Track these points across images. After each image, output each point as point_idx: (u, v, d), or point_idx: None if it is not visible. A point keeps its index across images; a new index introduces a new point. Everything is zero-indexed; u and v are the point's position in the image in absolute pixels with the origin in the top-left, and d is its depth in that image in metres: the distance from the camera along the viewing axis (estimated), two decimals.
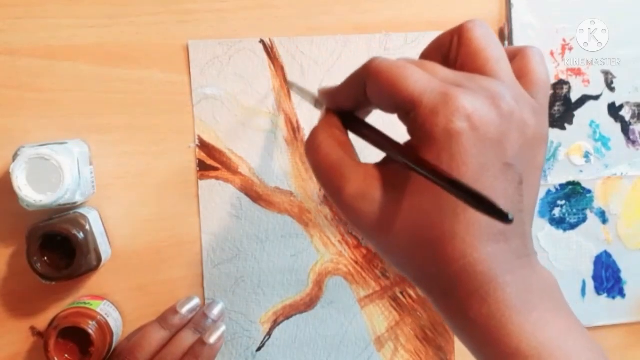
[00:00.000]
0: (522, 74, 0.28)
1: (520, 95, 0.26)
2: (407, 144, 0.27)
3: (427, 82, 0.25)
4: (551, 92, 0.53)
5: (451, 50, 0.28)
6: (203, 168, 0.50)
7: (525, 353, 0.24)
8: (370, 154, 0.29)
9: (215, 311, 0.49)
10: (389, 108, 0.27)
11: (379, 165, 0.28)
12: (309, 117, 0.51)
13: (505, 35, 0.52)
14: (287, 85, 0.51)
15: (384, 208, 0.26)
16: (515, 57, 0.29)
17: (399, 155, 0.26)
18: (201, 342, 0.47)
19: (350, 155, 0.28)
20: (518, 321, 0.24)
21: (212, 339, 0.47)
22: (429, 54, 0.30)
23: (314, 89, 0.51)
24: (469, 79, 0.26)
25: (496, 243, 0.25)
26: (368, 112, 0.32)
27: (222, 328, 0.49)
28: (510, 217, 0.20)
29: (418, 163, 0.24)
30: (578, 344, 0.25)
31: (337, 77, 0.51)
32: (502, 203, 0.23)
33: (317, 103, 0.35)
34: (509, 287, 0.24)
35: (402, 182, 0.26)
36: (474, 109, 0.24)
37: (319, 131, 0.29)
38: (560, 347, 0.24)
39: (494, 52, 0.27)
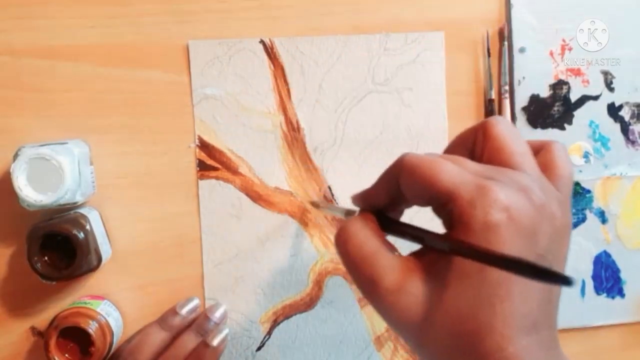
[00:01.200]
0: (547, 168, 0.29)
1: (546, 187, 0.27)
2: (445, 235, 0.27)
3: (461, 175, 0.26)
4: (551, 92, 0.54)
5: (476, 145, 0.29)
6: (203, 168, 0.50)
7: None
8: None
9: (218, 314, 0.49)
10: (423, 201, 0.27)
11: (415, 256, 0.28)
12: (309, 117, 0.51)
13: (504, 35, 0.52)
14: (312, 205, 0.50)
15: (423, 301, 0.26)
16: (540, 150, 0.30)
17: (444, 243, 0.26)
18: (204, 345, 0.47)
19: (385, 245, 0.28)
20: None
21: (215, 342, 0.47)
22: (454, 149, 0.31)
23: (313, 90, 0.51)
24: (498, 172, 0.27)
25: (529, 335, 0.25)
26: (400, 213, 0.32)
27: (225, 331, 0.49)
28: (571, 280, 0.20)
29: (470, 248, 0.24)
30: None
31: (337, 77, 0.51)
32: (536, 292, 0.24)
33: (347, 214, 0.35)
34: None
35: (441, 273, 0.26)
36: (510, 202, 0.25)
37: (351, 223, 0.29)
38: None
39: (519, 147, 0.28)
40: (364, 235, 0.28)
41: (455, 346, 0.25)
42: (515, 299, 0.24)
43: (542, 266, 0.21)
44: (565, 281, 0.20)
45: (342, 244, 0.28)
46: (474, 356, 0.25)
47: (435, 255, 0.27)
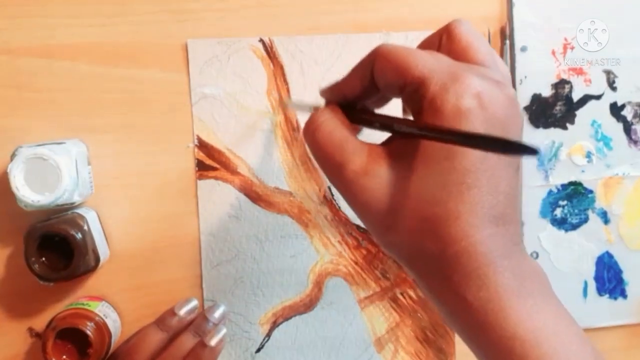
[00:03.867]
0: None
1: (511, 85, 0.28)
2: (414, 119, 0.27)
3: (436, 62, 0.26)
4: (553, 91, 0.53)
5: (441, 48, 0.29)
6: (202, 168, 0.50)
7: (523, 337, 0.24)
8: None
9: (217, 314, 0.49)
10: (396, 89, 0.27)
11: (383, 144, 0.28)
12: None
13: (506, 34, 0.52)
14: (282, 104, 0.50)
15: (390, 185, 0.26)
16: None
17: (413, 127, 0.26)
18: (202, 345, 0.46)
19: (353, 134, 0.29)
20: (516, 306, 0.25)
21: (213, 342, 0.47)
22: None
23: (313, 89, 0.50)
24: (471, 67, 0.27)
25: (496, 226, 0.25)
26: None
27: (223, 331, 0.48)
28: (538, 148, 0.20)
29: (437, 128, 0.24)
30: (570, 330, 0.25)
31: (337, 77, 0.51)
32: (504, 184, 0.24)
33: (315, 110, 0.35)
34: (507, 272, 0.25)
35: (407, 158, 0.26)
36: (483, 89, 0.25)
37: (320, 113, 0.30)
38: (555, 333, 0.25)
39: (483, 46, 0.29)
40: (333, 123, 0.29)
41: (421, 232, 0.26)
42: (483, 188, 0.25)
43: (512, 139, 0.21)
44: (533, 151, 0.20)
45: (311, 133, 0.29)
46: (440, 242, 0.25)
47: (402, 142, 0.27)
